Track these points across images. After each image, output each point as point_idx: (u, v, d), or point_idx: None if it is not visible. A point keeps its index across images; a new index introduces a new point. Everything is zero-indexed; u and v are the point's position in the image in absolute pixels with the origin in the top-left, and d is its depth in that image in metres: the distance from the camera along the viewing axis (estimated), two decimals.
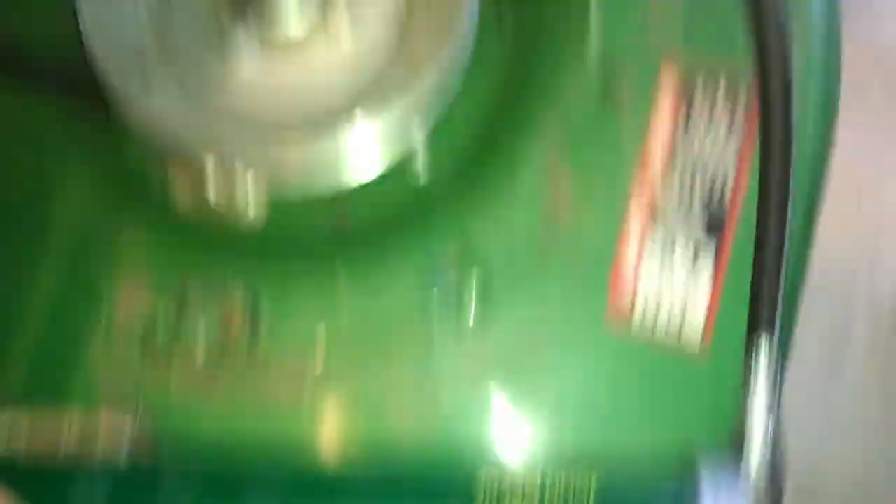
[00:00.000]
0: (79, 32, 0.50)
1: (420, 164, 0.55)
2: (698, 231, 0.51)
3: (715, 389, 0.49)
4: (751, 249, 0.50)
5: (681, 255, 0.51)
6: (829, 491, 0.86)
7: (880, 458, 0.88)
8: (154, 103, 0.50)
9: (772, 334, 0.46)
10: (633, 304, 0.51)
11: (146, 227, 0.53)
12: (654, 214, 0.52)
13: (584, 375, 0.50)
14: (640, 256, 0.51)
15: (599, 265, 0.52)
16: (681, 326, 0.50)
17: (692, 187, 0.52)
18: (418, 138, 0.53)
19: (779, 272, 0.47)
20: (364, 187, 0.54)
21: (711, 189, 0.52)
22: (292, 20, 0.51)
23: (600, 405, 0.50)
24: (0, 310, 0.52)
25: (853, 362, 0.88)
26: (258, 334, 0.51)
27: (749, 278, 0.50)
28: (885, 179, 0.91)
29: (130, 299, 0.52)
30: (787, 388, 0.48)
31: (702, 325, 0.50)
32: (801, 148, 0.51)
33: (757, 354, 0.46)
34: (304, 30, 0.51)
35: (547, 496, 0.43)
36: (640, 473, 0.47)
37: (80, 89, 0.53)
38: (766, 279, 0.47)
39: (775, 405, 0.45)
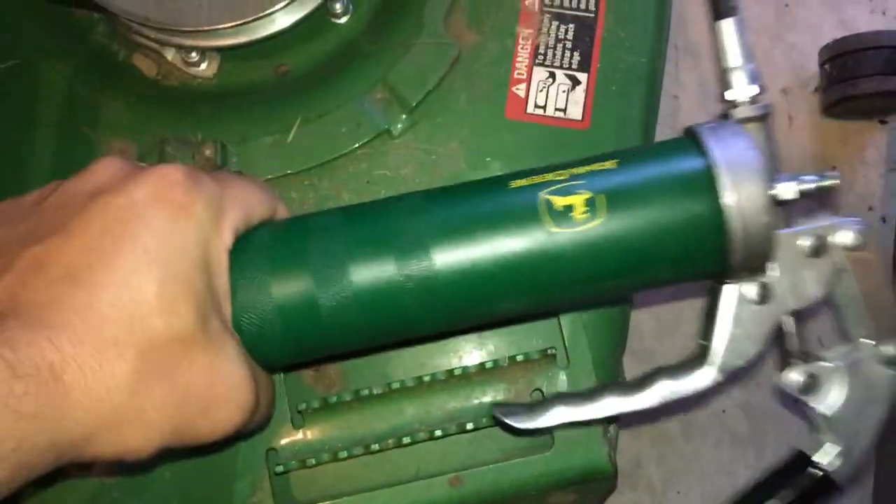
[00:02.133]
0: None
1: (341, 18, 0.66)
2: (573, 69, 0.63)
3: (596, 150, 0.61)
4: (616, 58, 0.62)
5: (560, 82, 0.63)
6: None
7: None
8: None
9: (735, 15, 0.49)
10: (525, 104, 0.63)
11: (122, 95, 0.64)
12: (535, 55, 0.64)
13: (493, 156, 0.62)
14: (528, 84, 0.63)
15: (496, 82, 0.63)
16: (565, 110, 0.62)
17: (565, 31, 0.64)
18: None
19: None
20: (297, 42, 0.65)
21: (578, 31, 0.64)
22: None
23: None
24: (7, 174, 0.62)
25: None
26: (229, 169, 0.62)
27: (616, 78, 0.62)
28: None
29: (117, 153, 0.62)
30: None
31: (581, 111, 0.62)
32: None
33: (727, 33, 0.49)
34: None
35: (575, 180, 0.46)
36: (650, 150, 0.48)
37: None
38: None
39: (753, 69, 0.49)
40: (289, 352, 0.45)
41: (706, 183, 0.43)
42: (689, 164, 0.44)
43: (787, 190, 0.45)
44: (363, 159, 0.62)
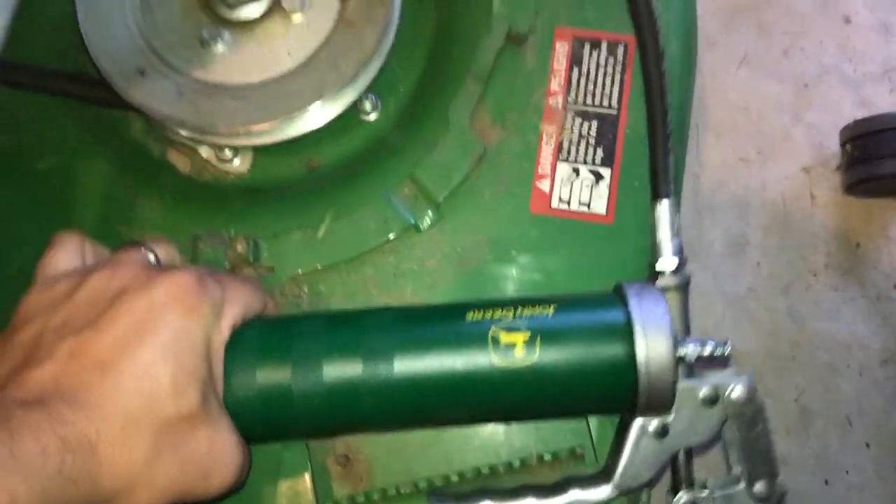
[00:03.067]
0: (82, 43, 0.63)
1: (370, 115, 0.68)
2: (597, 164, 0.65)
3: (620, 245, 0.62)
4: (638, 152, 0.64)
5: (584, 177, 0.64)
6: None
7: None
8: (146, 88, 0.62)
9: (668, 197, 0.59)
10: (550, 199, 0.64)
11: (157, 192, 0.66)
12: (559, 151, 0.65)
13: (518, 249, 0.63)
14: (552, 179, 0.65)
15: (520, 178, 0.65)
16: (589, 205, 0.63)
17: (588, 128, 0.66)
18: (363, 92, 0.66)
19: (667, 152, 0.60)
20: (328, 138, 0.67)
21: (601, 128, 0.66)
22: (253, 6, 0.64)
23: (537, 271, 0.63)
24: None
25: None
26: (261, 263, 0.63)
27: (638, 173, 0.63)
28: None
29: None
30: None
31: (605, 205, 0.64)
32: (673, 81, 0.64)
33: (661, 213, 0.59)
34: (262, 10, 0.64)
35: (519, 320, 0.55)
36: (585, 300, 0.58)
37: (88, 87, 0.65)
38: (659, 159, 0.60)
39: (680, 243, 0.59)
40: (267, 429, 0.53)
41: (624, 336, 0.51)
42: (612, 317, 0.52)
43: (690, 353, 0.53)
44: (391, 254, 0.64)
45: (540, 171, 0.65)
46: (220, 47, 0.64)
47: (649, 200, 0.62)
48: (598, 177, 0.64)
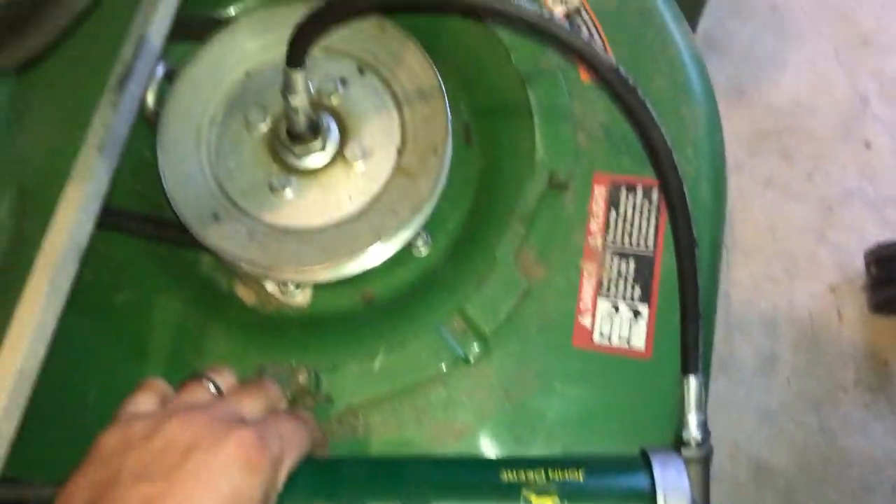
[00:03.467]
0: (161, 187, 0.69)
1: (422, 251, 0.73)
2: (635, 301, 0.69)
3: (659, 379, 0.66)
4: (675, 290, 0.68)
5: (623, 314, 0.69)
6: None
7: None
8: (220, 231, 0.68)
9: (697, 374, 0.64)
10: (591, 334, 0.68)
11: (224, 324, 0.71)
12: (599, 288, 0.70)
13: (562, 382, 0.67)
14: (593, 315, 0.69)
15: (563, 313, 0.69)
16: (629, 340, 0.68)
17: (626, 267, 0.71)
18: (418, 232, 0.71)
19: (697, 332, 0.65)
20: (383, 272, 0.72)
21: (638, 268, 0.70)
22: (319, 156, 0.70)
23: (580, 404, 0.66)
24: (119, 399, 0.68)
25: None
26: (321, 394, 0.67)
27: (675, 310, 0.68)
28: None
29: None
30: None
31: (644, 341, 0.68)
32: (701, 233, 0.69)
33: (690, 387, 0.64)
34: (326, 160, 0.70)
35: (550, 483, 0.59)
36: (613, 464, 0.62)
37: (166, 229, 0.71)
38: (690, 337, 0.65)
39: (705, 418, 0.62)
40: None
41: (648, 501, 0.55)
42: (638, 482, 0.57)
43: None
44: (441, 385, 0.68)
45: (581, 306, 0.69)
46: (287, 193, 0.70)
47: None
48: (637, 313, 0.69)
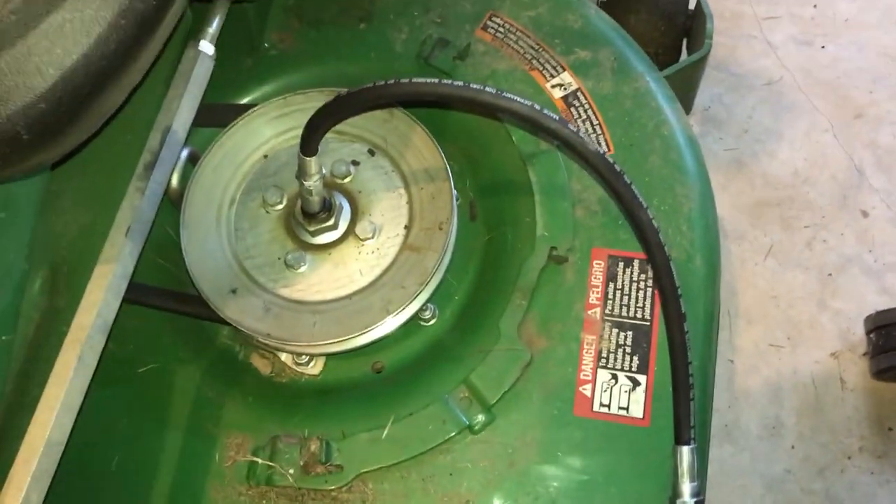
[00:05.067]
0: (184, 266, 0.73)
1: (429, 322, 0.76)
2: (633, 371, 0.72)
3: (657, 447, 0.68)
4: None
5: (622, 383, 0.72)
6: None
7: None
8: (237, 305, 0.72)
9: (690, 444, 0.66)
10: (592, 403, 0.71)
11: (241, 394, 0.74)
12: (599, 359, 0.73)
13: (563, 451, 0.69)
14: (593, 385, 0.72)
15: (565, 383, 0.72)
16: (627, 408, 0.70)
17: (624, 337, 0.74)
18: (425, 304, 0.75)
19: (689, 403, 0.67)
20: (392, 343, 0.76)
21: (636, 338, 0.73)
22: (331, 233, 0.74)
23: (581, 472, 0.69)
24: (140, 465, 0.72)
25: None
26: (332, 462, 0.70)
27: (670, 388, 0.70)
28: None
29: (235, 447, 0.71)
30: None
31: (642, 410, 0.70)
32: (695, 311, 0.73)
33: (682, 457, 0.66)
34: (337, 236, 0.74)
35: None
36: None
37: (187, 303, 0.75)
38: (681, 409, 0.67)
39: (699, 486, 0.65)
40: None
41: None
42: None
43: None
44: (447, 453, 0.70)
45: (582, 376, 0.72)
46: (302, 268, 0.74)
47: None
48: (636, 383, 0.72)
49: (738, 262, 1.19)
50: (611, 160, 0.63)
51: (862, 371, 1.12)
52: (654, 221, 0.64)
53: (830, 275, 1.19)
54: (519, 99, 0.61)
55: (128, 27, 0.45)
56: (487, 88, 0.62)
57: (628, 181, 0.63)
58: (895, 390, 1.12)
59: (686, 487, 0.64)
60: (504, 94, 0.62)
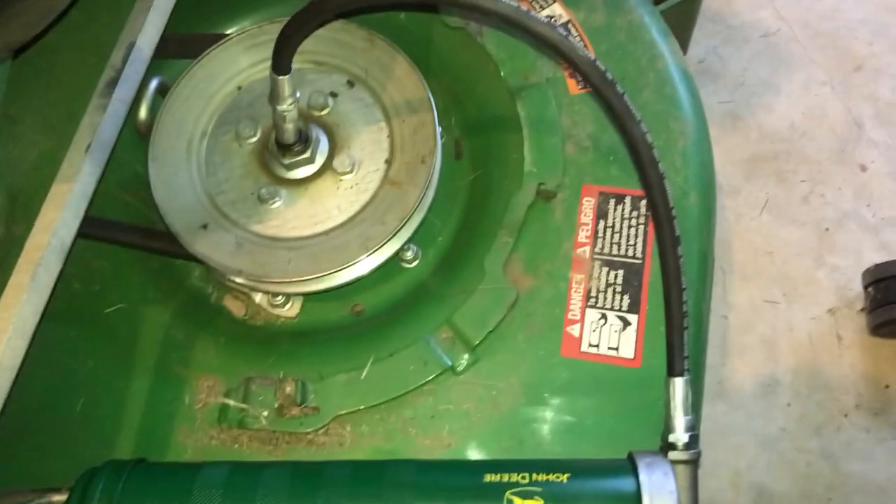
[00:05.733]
0: (151, 200, 0.70)
1: (411, 263, 0.73)
2: (624, 310, 0.69)
3: (648, 388, 0.65)
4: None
5: (612, 323, 0.69)
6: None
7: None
8: (208, 240, 0.68)
9: (683, 376, 0.62)
10: (580, 343, 0.68)
11: (212, 336, 0.70)
12: (588, 298, 0.70)
13: (550, 392, 0.66)
14: (582, 324, 0.69)
15: (552, 323, 0.69)
16: (617, 349, 0.67)
17: (615, 276, 0.70)
18: (406, 245, 0.71)
19: (682, 332, 0.64)
20: (372, 285, 0.72)
21: (627, 277, 0.70)
22: (308, 167, 0.70)
23: (568, 413, 0.66)
24: (106, 408, 0.68)
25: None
26: (307, 404, 0.67)
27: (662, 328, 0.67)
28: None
29: (206, 389, 0.68)
30: None
31: (633, 350, 0.67)
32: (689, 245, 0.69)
33: (675, 390, 0.63)
34: (314, 170, 0.71)
35: (534, 485, 0.58)
36: (598, 468, 0.61)
37: (156, 239, 0.72)
38: (675, 338, 0.64)
39: (694, 421, 0.61)
40: None
41: (634, 503, 0.54)
42: (623, 484, 0.55)
43: None
44: (429, 395, 0.67)
45: (570, 316, 0.69)
46: (276, 204, 0.70)
47: None
48: (626, 322, 0.68)
49: (732, 218, 1.16)
50: (602, 67, 0.59)
51: (859, 328, 1.10)
52: (647, 136, 0.60)
53: (827, 230, 1.16)
54: (505, 0, 0.56)
55: None
56: None
57: (621, 91, 0.59)
58: (892, 347, 1.09)
59: (679, 422, 0.61)
60: None
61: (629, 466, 0.56)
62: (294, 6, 0.80)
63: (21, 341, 0.53)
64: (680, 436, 0.60)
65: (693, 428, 0.61)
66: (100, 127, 0.57)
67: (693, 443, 0.61)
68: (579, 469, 0.56)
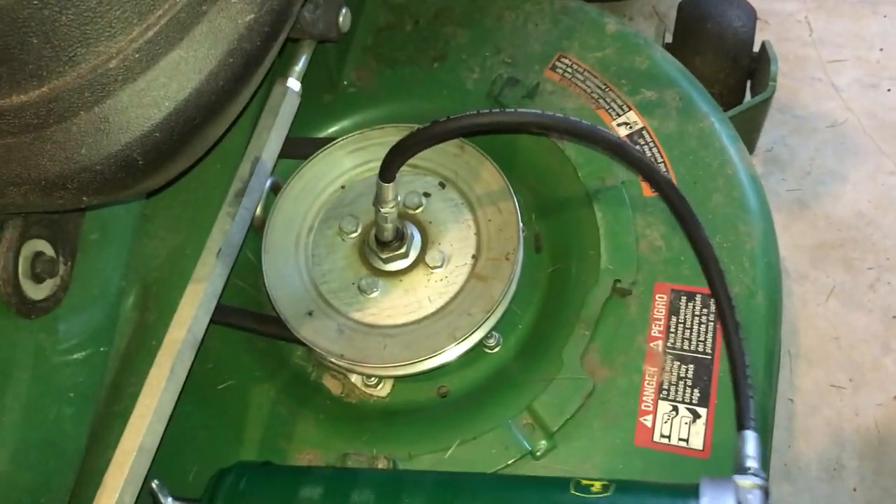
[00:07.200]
0: (264, 289, 0.78)
1: (493, 350, 0.79)
2: (694, 403, 0.74)
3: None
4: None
5: (682, 415, 0.73)
6: None
7: None
8: (313, 326, 0.76)
9: (752, 429, 0.65)
10: (652, 433, 0.73)
11: (313, 413, 0.77)
12: (660, 391, 0.75)
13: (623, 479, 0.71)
14: (654, 415, 0.74)
15: (626, 413, 0.74)
16: (688, 440, 0.72)
17: (686, 370, 0.75)
18: (490, 332, 0.78)
19: (747, 386, 0.68)
20: (457, 369, 0.79)
21: (697, 371, 0.75)
22: (402, 261, 0.78)
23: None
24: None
25: None
26: None
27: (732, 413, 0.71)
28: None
29: (306, 463, 0.75)
30: None
31: (702, 442, 0.72)
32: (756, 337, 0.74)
33: (745, 440, 0.65)
34: (408, 264, 0.78)
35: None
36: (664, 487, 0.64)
37: (265, 324, 0.79)
38: (741, 392, 0.68)
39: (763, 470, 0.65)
40: None
41: None
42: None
43: None
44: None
45: (643, 407, 0.74)
46: (374, 293, 0.77)
47: None
48: (696, 415, 0.73)
49: (799, 303, 1.19)
50: (677, 185, 0.65)
51: None
52: (709, 239, 0.66)
53: (894, 317, 1.18)
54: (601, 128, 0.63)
55: (235, 65, 0.49)
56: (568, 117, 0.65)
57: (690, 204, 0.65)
58: None
59: (750, 448, 0.64)
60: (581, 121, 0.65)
61: (695, 491, 0.59)
62: (381, 111, 0.90)
63: (159, 426, 0.60)
64: (751, 462, 0.63)
65: (760, 472, 0.63)
66: (229, 233, 0.65)
67: (762, 472, 0.63)
68: (643, 487, 0.61)
